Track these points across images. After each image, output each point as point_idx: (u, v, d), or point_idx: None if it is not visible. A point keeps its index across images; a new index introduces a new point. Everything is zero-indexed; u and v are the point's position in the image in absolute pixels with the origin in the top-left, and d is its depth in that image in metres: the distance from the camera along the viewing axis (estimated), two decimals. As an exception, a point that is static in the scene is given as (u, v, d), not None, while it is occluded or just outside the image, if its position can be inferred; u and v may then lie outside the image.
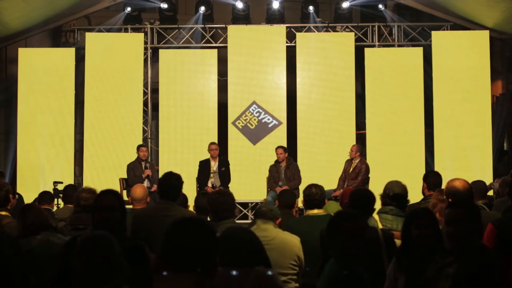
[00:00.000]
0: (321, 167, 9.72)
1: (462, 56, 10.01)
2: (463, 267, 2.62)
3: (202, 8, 10.48)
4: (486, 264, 2.63)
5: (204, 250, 2.14)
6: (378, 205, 4.01)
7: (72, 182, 9.35)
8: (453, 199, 3.85)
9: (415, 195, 5.08)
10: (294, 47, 10.37)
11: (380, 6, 10.50)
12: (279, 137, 10.01)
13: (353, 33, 10.41)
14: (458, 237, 2.75)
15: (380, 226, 3.97)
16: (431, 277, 2.69)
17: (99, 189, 4.18)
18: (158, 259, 2.29)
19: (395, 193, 4.19)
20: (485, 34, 10.03)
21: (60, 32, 11.61)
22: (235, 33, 10.38)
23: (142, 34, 10.46)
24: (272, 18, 10.72)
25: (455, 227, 2.76)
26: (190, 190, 7.28)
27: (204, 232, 2.19)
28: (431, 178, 4.85)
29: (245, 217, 9.84)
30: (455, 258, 2.72)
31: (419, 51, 10.18)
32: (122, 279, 2.41)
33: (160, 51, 10.39)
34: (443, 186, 4.32)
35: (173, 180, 4.03)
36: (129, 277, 2.43)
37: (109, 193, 3.15)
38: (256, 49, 10.29)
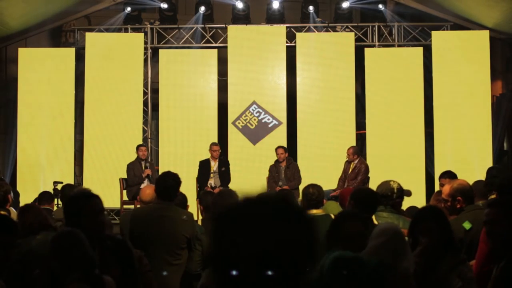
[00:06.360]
0: (321, 167, 9.71)
1: (462, 56, 10.00)
2: (505, 267, 2.58)
3: (202, 8, 10.48)
4: None
5: None
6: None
7: (72, 182, 9.34)
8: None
9: (414, 195, 5.07)
10: (294, 47, 10.37)
11: (380, 6, 10.49)
12: (279, 137, 10.00)
13: (353, 33, 10.40)
14: (496, 237, 2.72)
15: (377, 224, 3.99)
16: (442, 276, 2.68)
17: (99, 189, 4.20)
18: None
19: (382, 194, 4.21)
20: (485, 34, 10.02)
21: (60, 32, 11.61)
22: (235, 33, 10.38)
23: (142, 34, 10.46)
24: (272, 18, 10.71)
25: (492, 227, 2.73)
26: (190, 190, 7.30)
27: None
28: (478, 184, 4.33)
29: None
30: (495, 257, 2.69)
31: (419, 51, 10.17)
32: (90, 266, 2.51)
33: (160, 51, 10.39)
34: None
35: (170, 180, 4.00)
36: (96, 262, 2.55)
37: (95, 197, 3.13)
38: (256, 49, 10.28)
